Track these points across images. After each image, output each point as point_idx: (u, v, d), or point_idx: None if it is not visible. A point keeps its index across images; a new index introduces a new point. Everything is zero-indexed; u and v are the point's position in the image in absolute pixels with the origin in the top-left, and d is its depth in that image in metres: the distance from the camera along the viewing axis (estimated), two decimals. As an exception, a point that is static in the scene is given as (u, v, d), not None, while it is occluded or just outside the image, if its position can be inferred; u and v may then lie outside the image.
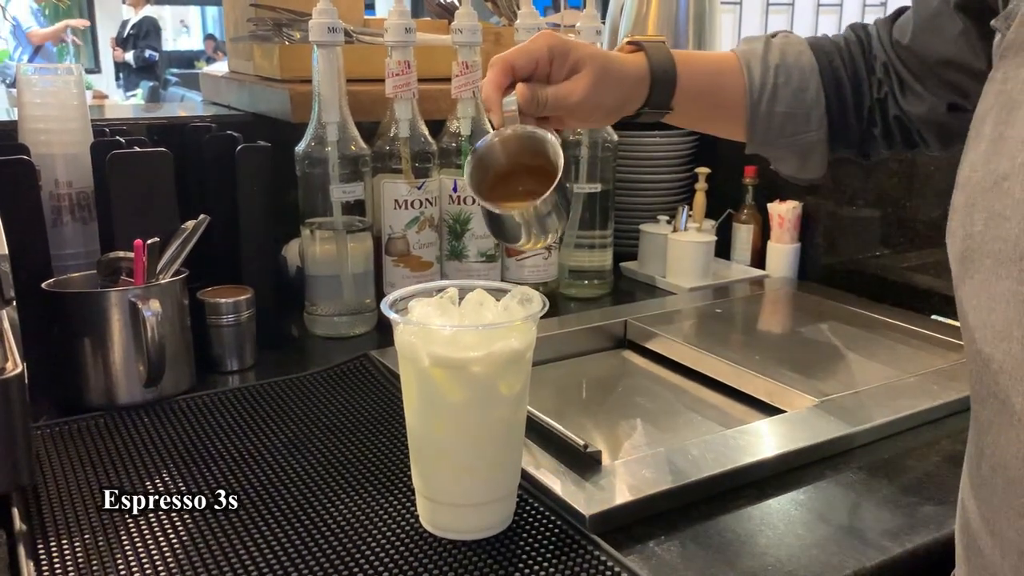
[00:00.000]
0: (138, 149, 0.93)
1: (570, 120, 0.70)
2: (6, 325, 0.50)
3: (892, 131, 0.74)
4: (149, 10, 7.11)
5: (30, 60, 6.42)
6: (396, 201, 1.07)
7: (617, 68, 0.69)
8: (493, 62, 0.64)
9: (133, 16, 7.07)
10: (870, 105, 0.74)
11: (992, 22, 0.49)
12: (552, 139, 0.63)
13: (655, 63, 0.70)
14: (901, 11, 0.72)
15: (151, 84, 6.58)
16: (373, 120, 1.10)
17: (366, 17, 1.30)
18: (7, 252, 0.63)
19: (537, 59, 0.65)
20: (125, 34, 7.00)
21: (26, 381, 0.49)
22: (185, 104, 3.79)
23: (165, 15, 8.20)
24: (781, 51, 0.73)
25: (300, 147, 1.03)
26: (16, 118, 1.01)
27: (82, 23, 6.97)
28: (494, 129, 0.65)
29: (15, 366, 0.48)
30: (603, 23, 1.19)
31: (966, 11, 0.63)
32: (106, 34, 7.76)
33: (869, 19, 0.77)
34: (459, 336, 0.59)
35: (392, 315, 0.60)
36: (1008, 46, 0.45)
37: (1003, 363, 0.44)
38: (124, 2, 7.44)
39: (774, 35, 0.76)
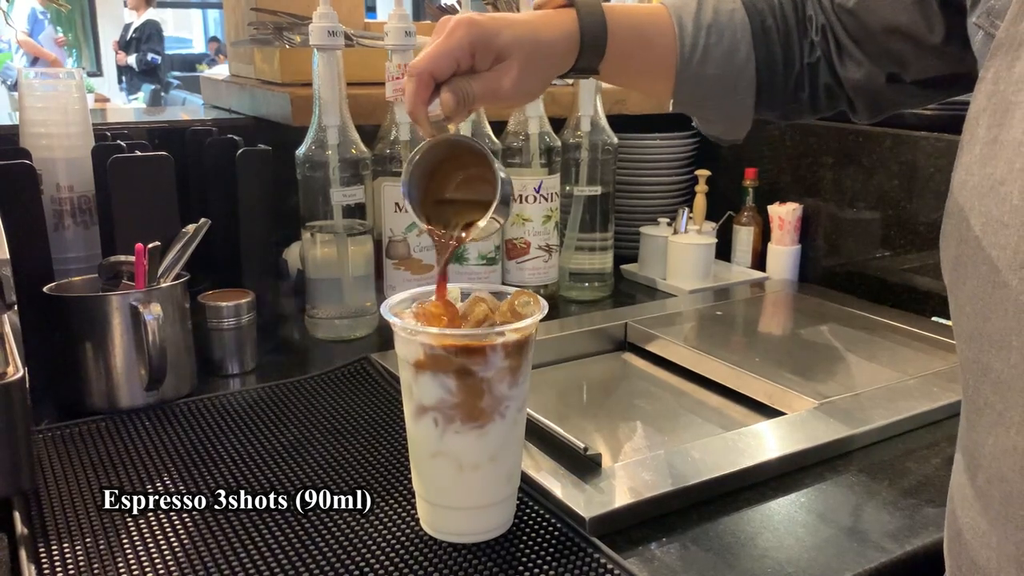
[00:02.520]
0: (139, 153, 0.93)
1: (498, 105, 0.66)
2: (7, 329, 0.50)
3: (819, 96, 0.71)
4: (151, 13, 7.12)
5: (31, 64, 6.42)
6: (396, 204, 1.07)
7: (546, 46, 0.63)
8: (412, 72, 0.59)
9: (135, 20, 7.09)
10: (799, 69, 0.70)
11: (973, 19, 0.48)
12: (483, 149, 0.61)
13: (586, 28, 0.64)
14: None
15: (153, 87, 6.59)
16: (373, 123, 1.11)
17: (366, 20, 1.30)
18: (8, 256, 0.64)
19: (458, 59, 0.59)
20: (128, 38, 7.01)
21: (27, 385, 0.49)
22: (187, 108, 3.80)
23: (167, 18, 8.21)
24: (714, 8, 0.69)
25: (301, 150, 1.03)
26: (18, 122, 1.01)
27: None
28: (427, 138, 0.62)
29: (16, 370, 0.48)
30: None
31: None
32: (108, 37, 7.78)
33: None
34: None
35: (392, 319, 0.60)
36: (998, 45, 0.44)
37: (1001, 373, 0.43)
38: (126, 5, 7.46)
39: None
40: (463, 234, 0.62)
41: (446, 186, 0.64)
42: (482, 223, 0.60)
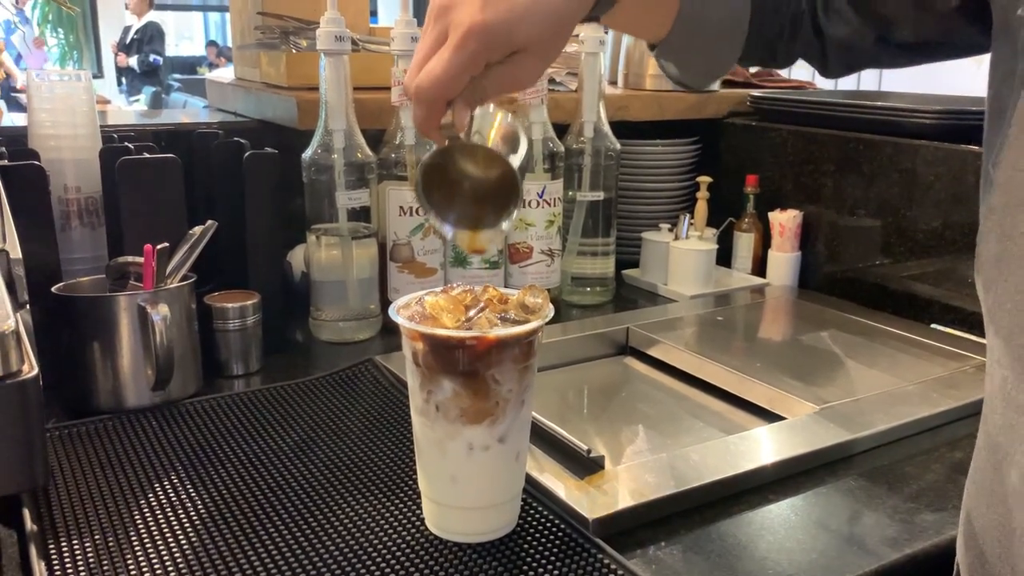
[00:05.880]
0: (147, 155, 0.94)
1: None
2: (21, 328, 0.51)
3: (795, 49, 0.69)
4: (152, 15, 7.14)
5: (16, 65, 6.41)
6: (401, 208, 1.08)
7: (567, 21, 0.55)
8: (421, 98, 0.53)
9: (135, 22, 7.10)
10: (784, 20, 0.68)
11: (1020, 11, 0.46)
12: (499, 153, 0.58)
13: None
14: None
15: (154, 90, 6.60)
16: (379, 127, 1.11)
17: (371, 26, 1.31)
18: (21, 256, 0.64)
19: (471, 74, 0.53)
20: (128, 39, 7.03)
21: (41, 383, 0.49)
22: (188, 110, 3.80)
23: (168, 20, 8.22)
24: None
25: (306, 154, 1.04)
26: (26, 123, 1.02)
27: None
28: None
29: (31, 368, 0.49)
30: (606, 32, 1.20)
31: None
32: (108, 40, 7.79)
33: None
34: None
35: (400, 320, 0.61)
36: None
37: None
38: (127, 8, 7.47)
39: None
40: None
41: (458, 189, 0.64)
42: (506, 224, 0.60)
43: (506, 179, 0.58)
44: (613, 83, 1.57)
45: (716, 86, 1.49)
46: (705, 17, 0.66)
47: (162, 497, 0.69)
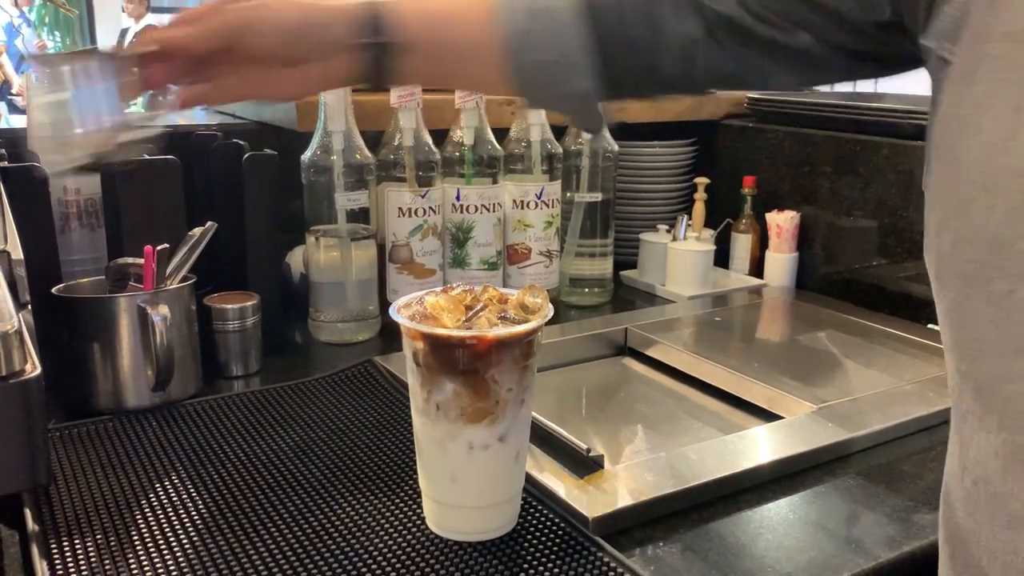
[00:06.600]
0: (146, 157, 0.94)
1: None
2: (23, 328, 0.51)
3: (695, 79, 0.61)
4: (150, 18, 7.14)
5: (17, 70, 6.39)
6: (400, 209, 1.09)
7: (315, 38, 0.58)
8: (168, 47, 0.58)
9: (133, 24, 7.09)
10: (661, 49, 0.59)
11: (921, 39, 0.46)
12: None
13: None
14: None
15: (152, 91, 6.58)
16: (378, 129, 1.12)
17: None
18: (23, 257, 0.65)
19: (200, 47, 0.57)
20: (127, 43, 7.01)
21: (43, 383, 0.50)
22: (185, 112, 3.79)
23: (165, 22, 8.21)
24: None
25: (305, 155, 1.04)
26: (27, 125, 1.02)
27: None
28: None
29: (34, 368, 0.49)
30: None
31: None
32: (104, 42, 7.78)
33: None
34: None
35: (401, 319, 0.61)
36: (954, 71, 0.43)
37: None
38: (124, 11, 7.47)
39: None
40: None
41: None
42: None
43: None
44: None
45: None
46: (529, 61, 0.61)
47: (163, 497, 0.69)
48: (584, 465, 0.74)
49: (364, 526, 0.65)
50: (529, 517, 0.67)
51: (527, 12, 0.60)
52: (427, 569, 0.60)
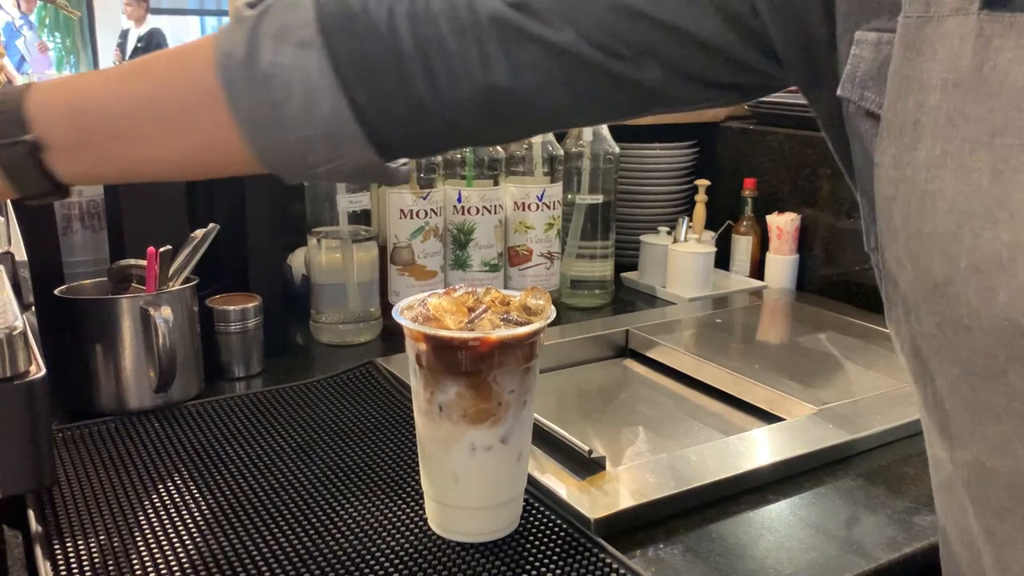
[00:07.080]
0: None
1: None
2: (28, 329, 0.51)
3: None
4: (151, 21, 7.14)
5: (19, 69, 6.40)
6: (401, 211, 1.09)
7: None
8: None
9: (135, 28, 7.09)
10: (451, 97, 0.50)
11: (840, 91, 0.41)
12: None
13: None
14: None
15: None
16: (379, 131, 1.12)
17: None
18: (26, 259, 0.65)
19: None
20: (133, 47, 7.01)
21: (47, 384, 0.50)
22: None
23: (164, 25, 8.22)
24: (275, 41, 0.49)
25: (307, 157, 1.05)
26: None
27: None
28: None
29: (39, 369, 0.49)
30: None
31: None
32: (106, 44, 7.79)
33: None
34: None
35: (403, 321, 0.61)
36: (889, 126, 0.37)
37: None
38: (124, 14, 7.47)
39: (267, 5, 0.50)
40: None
41: None
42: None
43: None
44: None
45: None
46: (280, 143, 0.51)
47: (165, 498, 0.69)
48: (586, 466, 0.75)
49: (366, 527, 0.65)
50: (531, 518, 0.67)
51: (260, 79, 0.49)
52: (429, 570, 0.60)
